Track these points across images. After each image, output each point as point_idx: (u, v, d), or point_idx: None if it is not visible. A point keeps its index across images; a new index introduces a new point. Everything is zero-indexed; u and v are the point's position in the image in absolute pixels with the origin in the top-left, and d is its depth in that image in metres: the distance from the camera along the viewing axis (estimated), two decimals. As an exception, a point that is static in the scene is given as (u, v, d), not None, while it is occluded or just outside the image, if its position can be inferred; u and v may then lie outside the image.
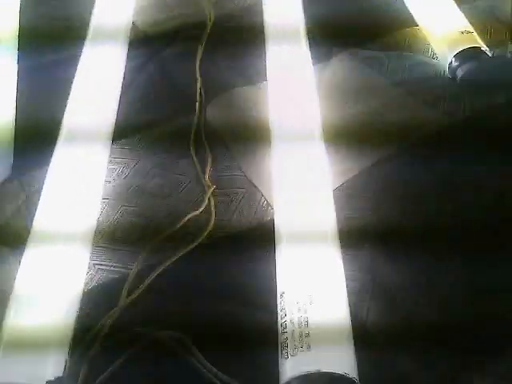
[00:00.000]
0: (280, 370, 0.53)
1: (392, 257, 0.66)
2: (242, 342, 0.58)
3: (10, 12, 1.03)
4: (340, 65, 0.93)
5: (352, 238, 0.67)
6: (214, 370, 0.54)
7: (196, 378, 0.54)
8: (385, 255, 0.66)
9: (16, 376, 0.54)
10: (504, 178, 0.73)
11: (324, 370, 0.51)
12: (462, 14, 0.97)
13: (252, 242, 0.69)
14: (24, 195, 0.79)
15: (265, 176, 0.76)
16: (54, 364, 0.56)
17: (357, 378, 0.52)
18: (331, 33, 1.00)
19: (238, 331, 0.60)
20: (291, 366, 0.53)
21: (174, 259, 0.67)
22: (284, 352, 0.54)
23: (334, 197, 0.70)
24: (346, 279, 0.62)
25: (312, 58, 0.92)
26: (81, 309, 0.62)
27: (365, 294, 0.63)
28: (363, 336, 0.58)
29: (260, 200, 0.74)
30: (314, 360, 0.52)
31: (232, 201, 0.75)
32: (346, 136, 0.79)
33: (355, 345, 0.54)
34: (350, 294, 0.60)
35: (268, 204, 0.73)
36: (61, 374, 0.54)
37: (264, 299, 0.62)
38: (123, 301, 0.62)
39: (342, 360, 0.53)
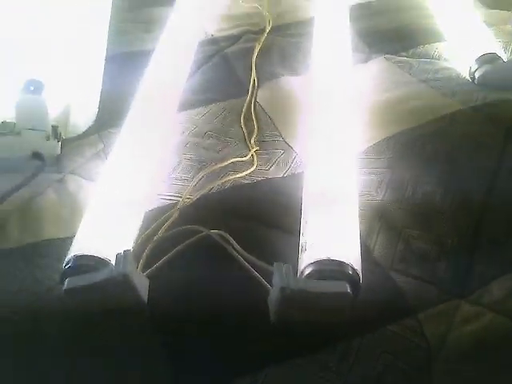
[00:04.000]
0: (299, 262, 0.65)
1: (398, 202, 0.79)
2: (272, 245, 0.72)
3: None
4: (375, 65, 1.08)
5: (367, 187, 0.81)
6: (254, 260, 0.65)
7: (237, 266, 0.66)
8: (393, 200, 0.79)
9: (91, 250, 0.66)
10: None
11: (333, 258, 0.63)
12: (488, 34, 1.12)
13: (284, 185, 0.83)
14: (102, 145, 0.95)
15: (301, 141, 0.90)
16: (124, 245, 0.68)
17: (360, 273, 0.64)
18: (371, 42, 1.16)
19: (266, 242, 0.74)
20: (307, 255, 0.66)
21: (218, 184, 0.82)
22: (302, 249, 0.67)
23: (358, 157, 0.84)
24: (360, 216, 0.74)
25: (352, 60, 1.08)
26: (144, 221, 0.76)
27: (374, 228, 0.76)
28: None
29: (295, 158, 0.88)
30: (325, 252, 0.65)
31: (271, 158, 0.89)
32: (374, 114, 0.93)
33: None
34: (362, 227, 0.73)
35: (301, 161, 0.87)
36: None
37: (290, 225, 0.75)
38: (179, 205, 0.77)
39: (350, 256, 0.64)
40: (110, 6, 1.24)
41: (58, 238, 0.76)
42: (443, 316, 0.65)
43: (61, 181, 0.87)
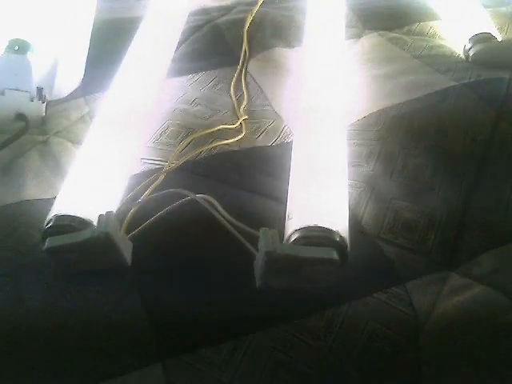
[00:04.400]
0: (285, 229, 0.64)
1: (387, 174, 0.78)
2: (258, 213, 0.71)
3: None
4: (369, 40, 1.07)
5: (357, 158, 0.80)
6: (240, 225, 0.63)
7: (222, 231, 0.63)
8: (383, 172, 0.78)
9: (73, 211, 0.64)
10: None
11: (320, 225, 0.61)
12: (485, 15, 1.11)
13: (273, 153, 0.82)
14: (87, 108, 0.93)
15: (291, 112, 0.88)
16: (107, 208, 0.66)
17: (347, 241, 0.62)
18: (365, 18, 1.15)
19: (252, 209, 0.73)
20: (293, 222, 0.64)
21: (205, 149, 0.81)
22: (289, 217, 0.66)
23: (348, 129, 0.83)
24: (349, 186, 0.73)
25: (346, 35, 1.06)
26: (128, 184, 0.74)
27: (363, 198, 0.75)
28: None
29: (284, 127, 0.87)
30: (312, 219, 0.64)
31: (260, 126, 0.87)
32: (366, 88, 0.92)
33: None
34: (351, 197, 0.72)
35: (290, 131, 0.86)
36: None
37: (277, 193, 0.74)
38: (166, 167, 0.75)
39: (338, 223, 0.63)
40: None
41: (41, 199, 0.75)
42: (431, 286, 0.64)
43: (45, 143, 0.85)
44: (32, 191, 0.76)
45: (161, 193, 0.69)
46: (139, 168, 0.79)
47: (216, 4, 1.22)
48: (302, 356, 0.58)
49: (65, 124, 0.89)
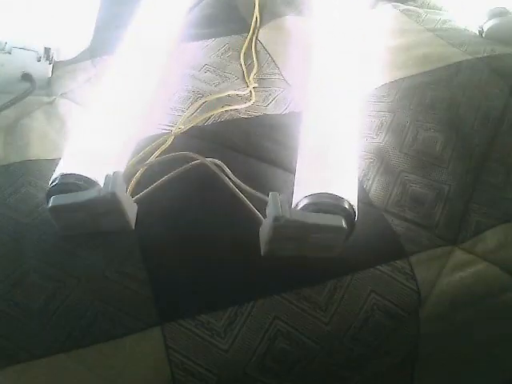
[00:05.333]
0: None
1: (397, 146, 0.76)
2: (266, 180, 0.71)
3: None
4: (382, 12, 1.05)
5: (367, 129, 0.79)
6: (249, 189, 0.62)
7: (229, 196, 0.63)
8: (393, 144, 0.77)
9: (79, 170, 0.63)
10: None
11: (330, 192, 0.60)
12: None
13: (282, 122, 0.81)
14: (95, 71, 0.92)
15: (301, 81, 0.87)
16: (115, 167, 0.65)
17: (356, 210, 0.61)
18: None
19: (260, 176, 0.72)
20: (302, 189, 0.64)
21: (214, 114, 0.80)
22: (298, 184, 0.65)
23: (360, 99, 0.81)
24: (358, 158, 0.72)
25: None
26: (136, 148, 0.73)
27: (372, 170, 0.74)
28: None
29: (294, 96, 0.85)
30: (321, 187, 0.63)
31: (270, 95, 0.86)
32: (379, 59, 0.91)
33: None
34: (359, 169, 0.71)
35: (300, 100, 0.84)
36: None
37: (286, 161, 0.74)
38: (174, 131, 0.74)
39: (347, 192, 0.62)
40: None
41: (45, 159, 0.74)
42: (435, 261, 0.64)
43: (51, 104, 0.85)
44: (36, 151, 0.75)
45: (169, 155, 0.68)
46: (147, 132, 0.77)
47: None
48: (302, 326, 0.59)
49: (71, 86, 0.88)
